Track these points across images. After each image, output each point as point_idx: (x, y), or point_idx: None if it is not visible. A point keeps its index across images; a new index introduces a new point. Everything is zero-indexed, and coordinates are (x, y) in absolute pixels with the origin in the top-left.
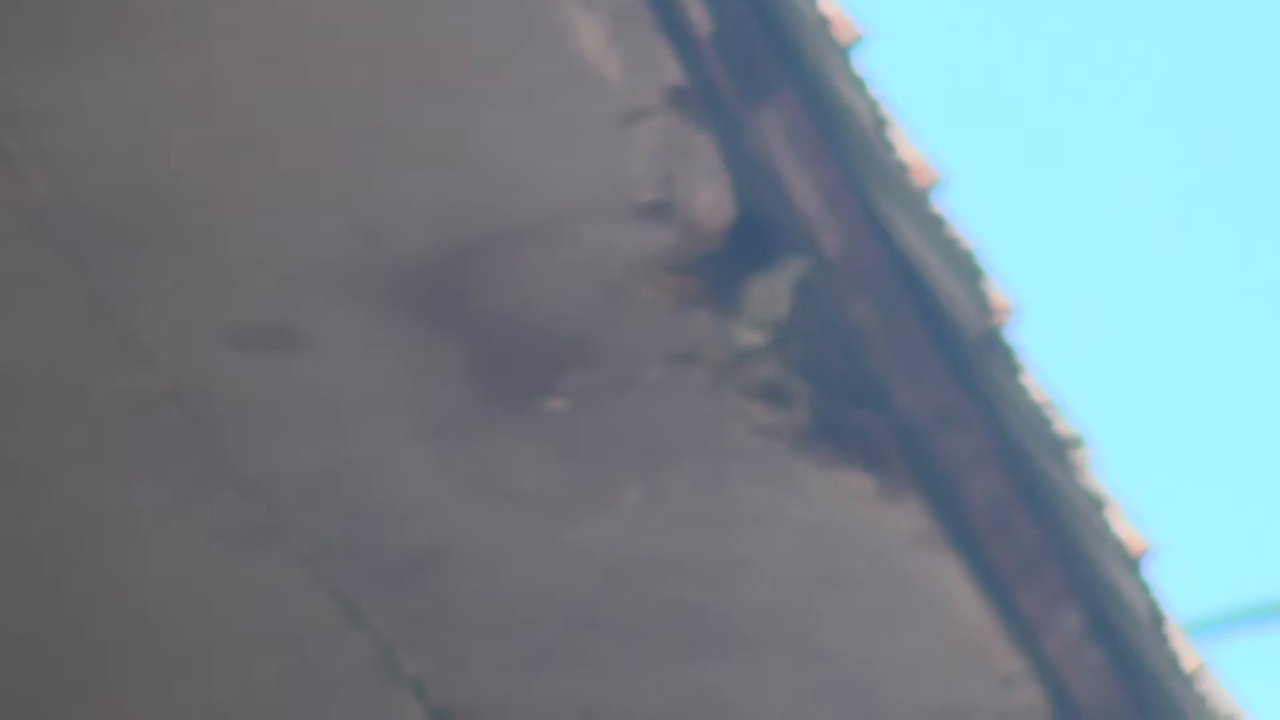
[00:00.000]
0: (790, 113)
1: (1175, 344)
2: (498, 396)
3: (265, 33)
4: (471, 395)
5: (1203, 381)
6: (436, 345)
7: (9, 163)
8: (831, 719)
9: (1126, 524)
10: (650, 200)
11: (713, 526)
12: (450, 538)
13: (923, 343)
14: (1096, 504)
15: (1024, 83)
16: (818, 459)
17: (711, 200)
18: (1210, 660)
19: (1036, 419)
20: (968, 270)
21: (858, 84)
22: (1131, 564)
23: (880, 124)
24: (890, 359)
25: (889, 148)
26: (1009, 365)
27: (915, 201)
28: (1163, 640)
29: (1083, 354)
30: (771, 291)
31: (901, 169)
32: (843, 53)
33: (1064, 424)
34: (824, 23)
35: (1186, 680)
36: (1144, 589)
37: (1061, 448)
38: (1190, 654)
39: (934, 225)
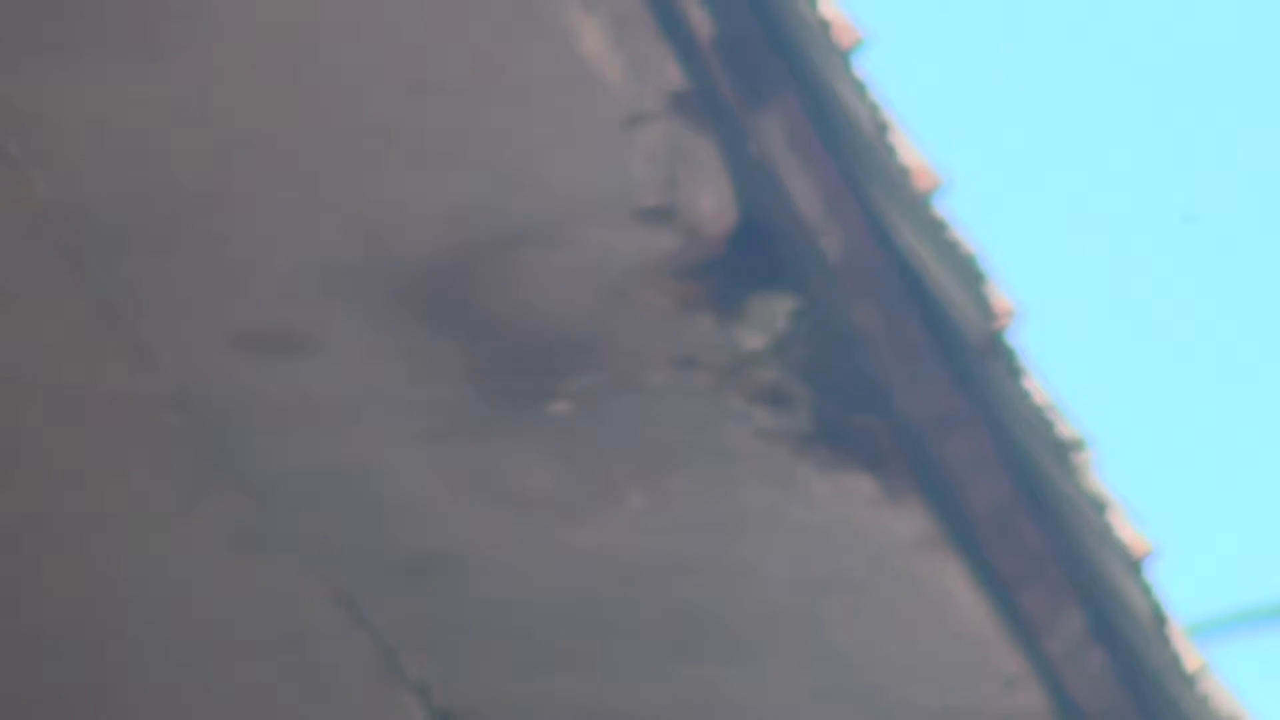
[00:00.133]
0: (792, 117)
1: (1176, 347)
2: (500, 399)
3: (266, 35)
4: (474, 398)
5: (1204, 384)
6: (438, 348)
7: (11, 166)
8: (833, 719)
9: (1128, 526)
10: (652, 204)
11: (715, 529)
12: (453, 540)
13: (924, 346)
14: (1098, 506)
15: (1025, 86)
16: (820, 462)
17: (713, 204)
18: (1212, 662)
19: (1038, 422)
20: (969, 274)
21: (859, 88)
22: (1133, 566)
23: (881, 128)
24: (892, 363)
25: (890, 152)
26: (1010, 368)
27: (917, 205)
28: (1164, 642)
29: (1084, 357)
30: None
31: (903, 173)
32: (844, 57)
33: (1066, 427)
34: (825, 26)
35: (1188, 681)
36: (1146, 591)
37: (1063, 450)
38: (1192, 655)
39: (935, 229)
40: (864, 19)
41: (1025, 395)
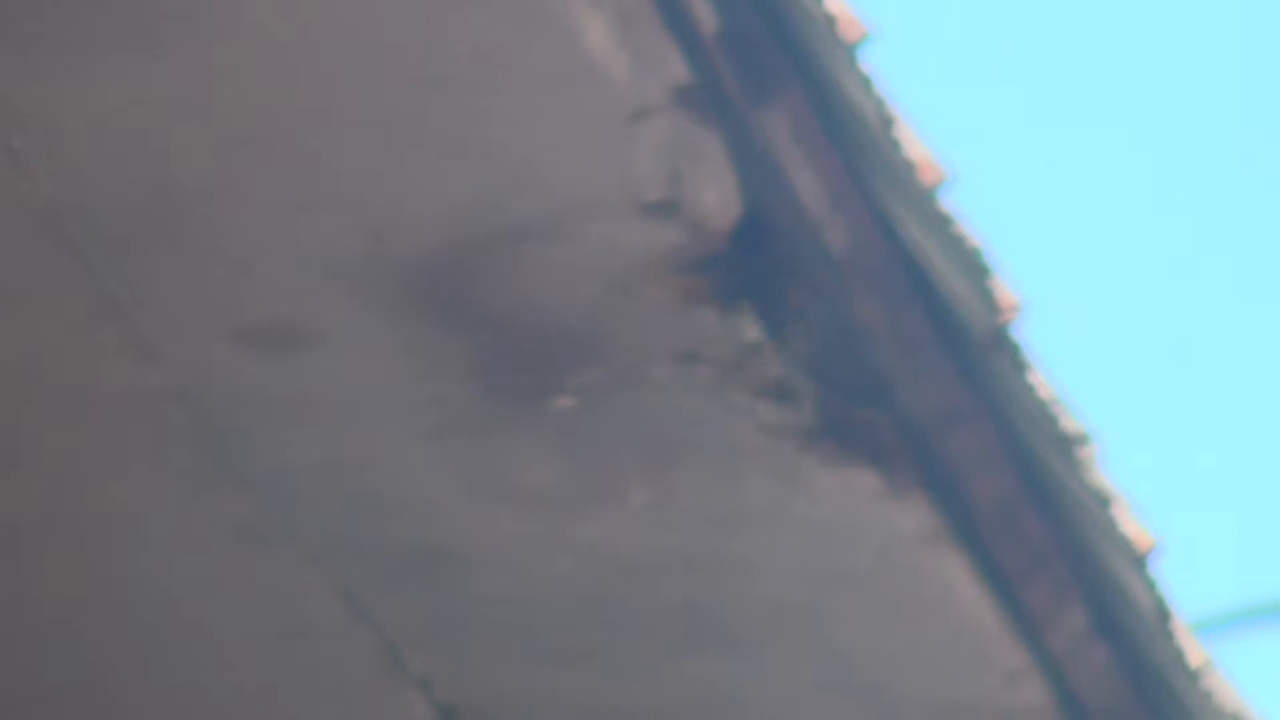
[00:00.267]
0: (796, 111)
1: (1181, 342)
2: (504, 394)
3: (270, 30)
4: (478, 393)
5: (1209, 379)
6: (442, 343)
7: (14, 161)
8: (837, 714)
9: (1132, 521)
10: (656, 199)
11: (719, 524)
12: (457, 536)
13: (929, 341)
14: (1102, 501)
15: (1029, 80)
16: (824, 457)
17: (718, 199)
18: (1216, 657)
19: (1043, 416)
20: (974, 268)
21: (864, 82)
22: (1138, 561)
23: (886, 122)
24: (896, 357)
25: (895, 146)
26: (1015, 363)
27: (922, 199)
28: (1169, 637)
29: (1089, 351)
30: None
31: (908, 167)
32: (849, 50)
33: (1070, 421)
34: (830, 20)
35: (1192, 677)
36: (1150, 586)
37: (1068, 445)
38: (1196, 651)
39: (940, 223)
40: (869, 13)
41: (1030, 390)
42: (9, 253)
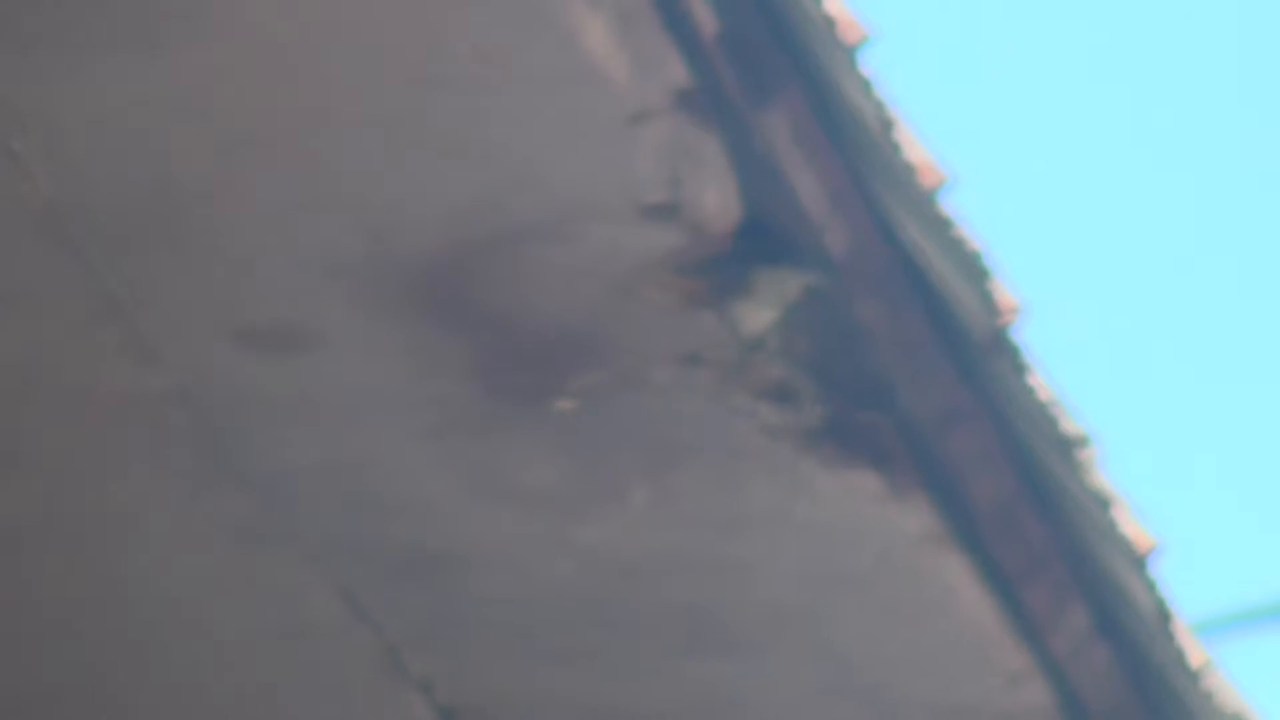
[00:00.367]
0: (796, 113)
1: (1181, 343)
2: (504, 395)
3: (270, 30)
4: (478, 394)
5: (1209, 381)
6: (441, 345)
7: (15, 163)
8: (838, 716)
9: (1133, 522)
10: (657, 201)
11: (720, 526)
12: (458, 537)
13: (929, 342)
14: (1103, 502)
15: (1029, 83)
16: (825, 458)
17: (718, 201)
18: (1217, 658)
19: (1043, 418)
20: (974, 270)
21: (864, 84)
22: (1138, 562)
23: (886, 124)
24: (897, 359)
25: (895, 148)
26: (1015, 365)
27: (922, 202)
28: (1169, 638)
29: (1089, 353)
30: (781, 283)
31: (908, 169)
32: (849, 53)
33: (1070, 423)
34: (830, 23)
35: (1193, 677)
36: (1150, 587)
37: (1068, 447)
38: (1197, 652)
39: (940, 225)
40: (868, 15)
41: (1030, 391)
42: (9, 253)
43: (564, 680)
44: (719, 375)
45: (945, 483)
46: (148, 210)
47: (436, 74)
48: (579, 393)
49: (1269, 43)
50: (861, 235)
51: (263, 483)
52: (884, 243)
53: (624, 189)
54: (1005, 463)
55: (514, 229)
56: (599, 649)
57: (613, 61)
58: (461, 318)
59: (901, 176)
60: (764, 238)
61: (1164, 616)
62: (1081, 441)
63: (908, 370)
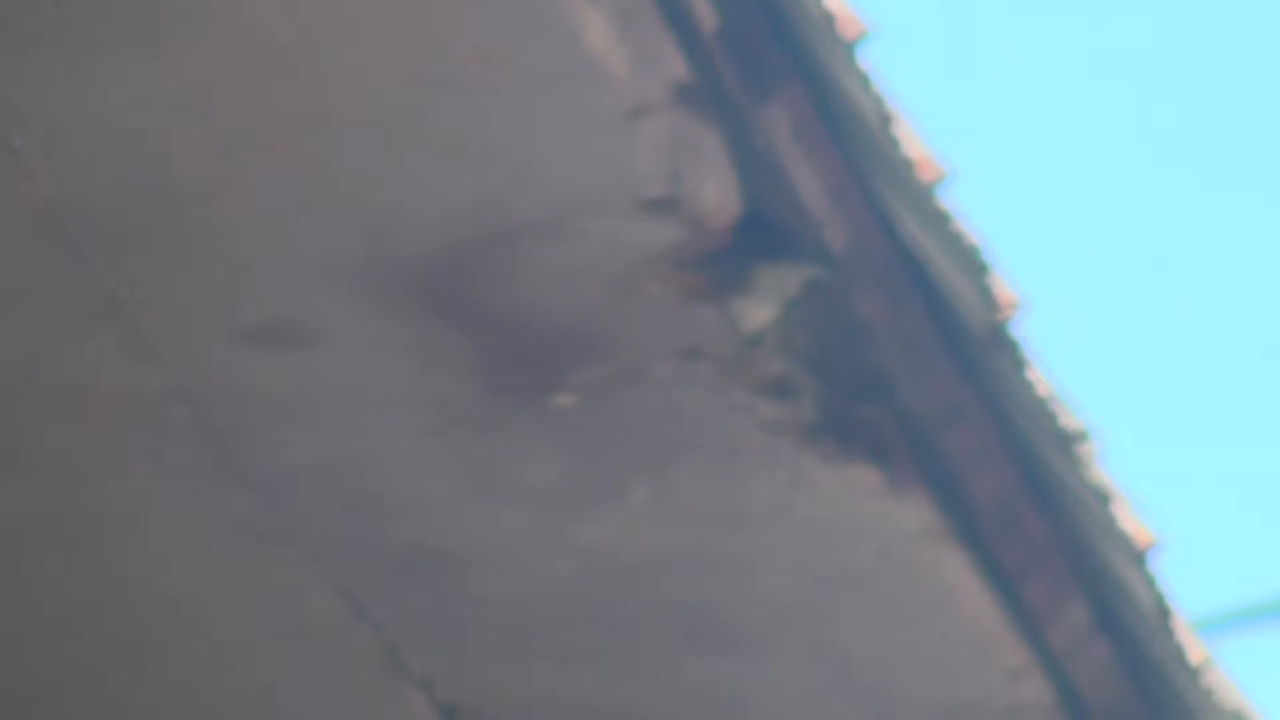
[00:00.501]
0: (796, 108)
1: (1181, 338)
2: (505, 393)
3: (271, 30)
4: (478, 392)
5: (1209, 376)
6: (443, 341)
7: (15, 161)
8: (838, 714)
9: (1133, 518)
10: (657, 196)
11: (720, 522)
12: (458, 535)
13: (929, 338)
14: (1102, 498)
15: (1029, 77)
16: (824, 454)
17: (718, 196)
18: (1216, 655)
19: (1042, 413)
20: (973, 265)
21: (863, 79)
22: (1138, 558)
23: (886, 119)
24: (896, 354)
25: (895, 143)
26: (1015, 360)
27: (921, 197)
28: (1169, 634)
29: (1088, 348)
30: (781, 280)
31: (907, 164)
32: (848, 48)
33: (1070, 418)
34: (829, 18)
35: (1193, 674)
36: (1150, 583)
37: (1067, 442)
38: (1197, 648)
39: (940, 220)
40: (868, 10)
41: (1029, 387)
42: (9, 253)
43: (564, 678)
44: (719, 370)
45: (945, 478)
46: (148, 209)
47: (436, 72)
48: (579, 389)
49: (1269, 36)
50: (861, 230)
51: (263, 482)
52: (883, 238)
53: (624, 184)
54: (1005, 458)
55: (514, 226)
56: (599, 647)
57: (613, 57)
58: (462, 315)
59: (901, 171)
60: (763, 232)
61: (1164, 613)
62: (1081, 437)
63: (907, 365)
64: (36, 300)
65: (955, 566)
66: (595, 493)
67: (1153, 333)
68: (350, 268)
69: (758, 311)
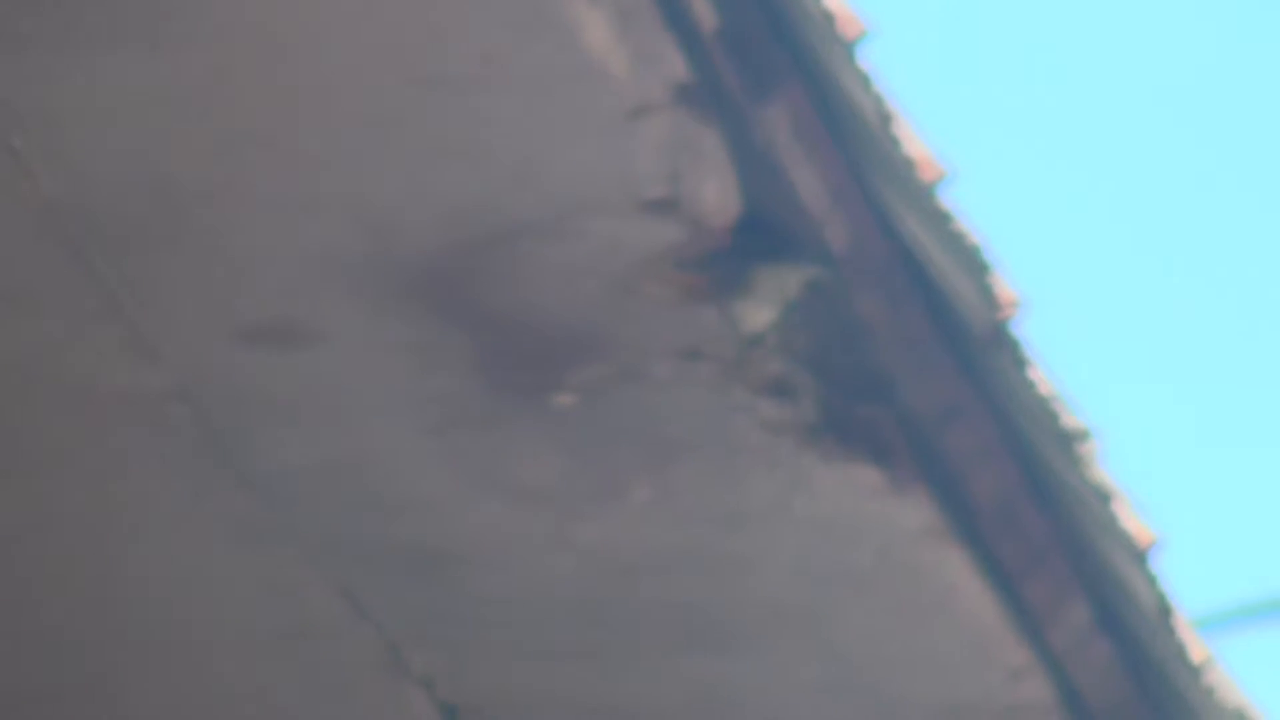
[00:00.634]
0: (796, 108)
1: (1181, 337)
2: (505, 392)
3: (271, 28)
4: (478, 391)
5: (1209, 375)
6: (443, 341)
7: (14, 161)
8: (839, 713)
9: (1134, 517)
10: (657, 196)
11: (720, 522)
12: (458, 534)
13: (929, 337)
14: (1103, 497)
15: (1029, 76)
16: (825, 453)
17: (718, 196)
18: (1218, 654)
19: (1043, 412)
20: (974, 264)
21: (863, 79)
22: (1139, 557)
23: (886, 119)
24: (897, 353)
25: (895, 143)
26: (1015, 359)
27: (921, 196)
28: (1170, 633)
29: (1089, 347)
30: (781, 282)
31: (908, 164)
32: (848, 48)
33: (1071, 417)
34: (829, 18)
35: (1194, 673)
36: (1151, 582)
37: (1068, 441)
38: (1198, 647)
39: (940, 220)
40: (868, 10)
41: (1030, 386)
42: (9, 253)
43: (564, 677)
44: (719, 370)
45: (945, 477)
46: (148, 209)
47: (436, 72)
48: (579, 388)
49: (1269, 33)
50: (861, 230)
51: (263, 481)
52: (883, 237)
53: (624, 184)
54: (1005, 457)
55: (514, 226)
56: (599, 646)
57: (612, 57)
58: (461, 315)
59: (901, 171)
60: (763, 232)
61: (1165, 611)
62: (1082, 436)
63: (907, 365)
64: (36, 300)
65: (956, 566)
66: (595, 492)
67: (1153, 331)
68: (350, 267)
69: (758, 312)
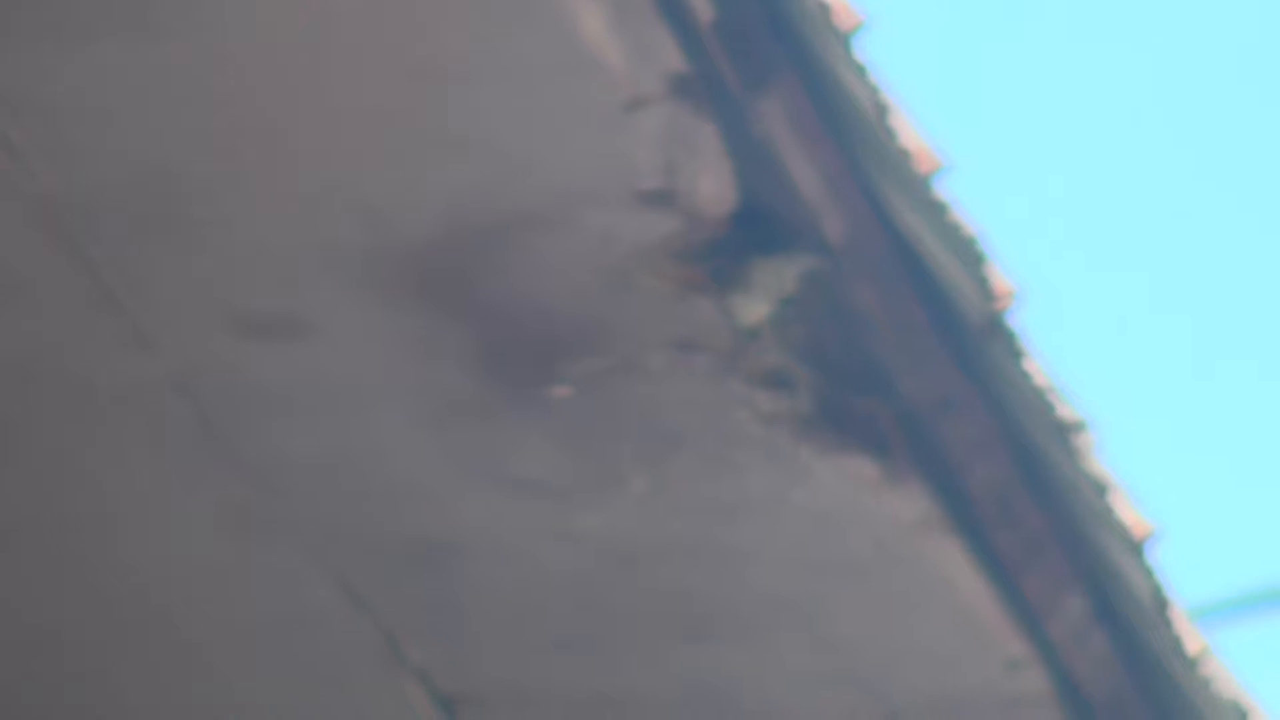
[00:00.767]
0: (792, 100)
1: (1178, 328)
2: (502, 383)
3: (268, 20)
4: (476, 382)
5: (1206, 366)
6: (440, 332)
7: (12, 153)
8: (836, 703)
9: (1130, 508)
10: (653, 188)
11: (717, 513)
12: (455, 525)
13: (925, 328)
14: (1100, 488)
15: (1025, 68)
16: (821, 445)
17: (714, 188)
18: (1214, 645)
19: (1039, 404)
20: (970, 256)
21: (859, 71)
22: (1135, 548)
23: (882, 110)
24: (893, 345)
25: (891, 134)
26: (1011, 350)
27: (917, 187)
28: (1166, 624)
29: (1085, 338)
30: (778, 275)
31: (904, 155)
32: (844, 39)
33: (1067, 409)
34: (825, 9)
35: (1190, 664)
36: (1147, 573)
37: (1064, 432)
38: (1194, 638)
39: (936, 211)
40: (863, 2)
41: (1026, 377)
42: (7, 245)
43: (562, 667)
44: (715, 362)
45: (942, 469)
46: (145, 200)
47: (433, 65)
48: (576, 380)
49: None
50: (857, 221)
51: (261, 472)
52: (880, 229)
53: (620, 176)
54: (1002, 449)
55: (511, 217)
56: (597, 636)
57: (609, 49)
58: (459, 306)
59: (897, 162)
60: (760, 224)
61: (1161, 602)
62: (1078, 427)
63: (904, 356)
64: (34, 292)
65: (953, 557)
66: (593, 483)
67: (1149, 322)
68: (347, 259)
69: (754, 304)
